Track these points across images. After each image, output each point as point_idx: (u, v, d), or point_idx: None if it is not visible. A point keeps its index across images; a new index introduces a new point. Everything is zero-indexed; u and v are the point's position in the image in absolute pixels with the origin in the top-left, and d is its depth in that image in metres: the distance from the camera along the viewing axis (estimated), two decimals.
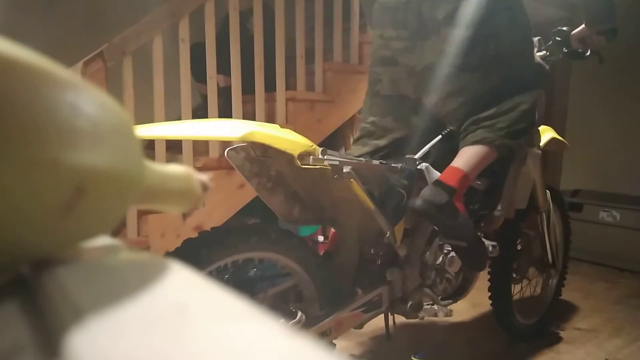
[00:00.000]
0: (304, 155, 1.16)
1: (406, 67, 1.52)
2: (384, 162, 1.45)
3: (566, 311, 2.32)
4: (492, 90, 1.46)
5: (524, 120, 1.49)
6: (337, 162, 1.22)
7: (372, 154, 1.60)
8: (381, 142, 1.60)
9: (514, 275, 1.89)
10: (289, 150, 1.13)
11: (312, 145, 1.18)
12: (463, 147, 1.47)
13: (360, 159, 1.43)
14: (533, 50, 1.57)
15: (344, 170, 1.23)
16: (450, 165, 1.44)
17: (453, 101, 1.49)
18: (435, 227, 1.51)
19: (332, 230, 1.49)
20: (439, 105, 1.52)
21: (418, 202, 1.39)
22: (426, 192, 1.40)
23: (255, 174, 1.25)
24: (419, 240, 1.54)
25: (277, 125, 1.18)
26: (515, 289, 1.94)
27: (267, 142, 1.09)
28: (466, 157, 1.44)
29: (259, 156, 1.19)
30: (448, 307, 1.62)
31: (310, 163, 1.17)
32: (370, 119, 1.63)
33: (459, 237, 1.45)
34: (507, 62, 1.45)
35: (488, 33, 1.40)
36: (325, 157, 1.20)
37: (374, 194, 1.40)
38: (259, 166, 1.24)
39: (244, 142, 1.10)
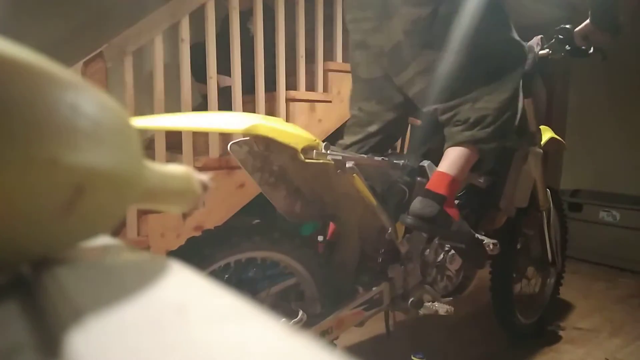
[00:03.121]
0: (307, 150, 1.16)
1: (376, 48, 1.50)
2: (387, 157, 1.45)
3: (566, 311, 2.32)
4: (463, 71, 1.41)
5: (506, 112, 1.44)
6: (340, 157, 1.22)
7: (364, 140, 1.59)
8: (372, 128, 1.59)
9: (514, 275, 1.89)
10: (292, 144, 1.12)
11: (315, 140, 1.18)
12: (447, 147, 1.45)
13: (363, 155, 1.43)
14: (507, 28, 1.50)
15: (347, 166, 1.23)
16: (437, 170, 1.42)
17: (420, 81, 1.45)
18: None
19: (332, 225, 1.49)
20: (407, 85, 1.49)
21: (409, 219, 1.37)
22: (416, 205, 1.38)
23: (258, 168, 1.25)
24: (420, 237, 1.54)
25: (281, 119, 1.17)
26: (515, 288, 1.94)
27: (271, 135, 1.08)
28: (452, 159, 1.41)
29: (262, 150, 1.18)
30: (448, 305, 1.62)
31: (314, 157, 1.17)
32: (357, 105, 1.62)
33: (456, 242, 1.45)
34: (476, 41, 1.39)
35: (450, 10, 1.36)
36: (328, 151, 1.20)
37: (376, 190, 1.40)
38: (261, 161, 1.24)
39: (247, 134, 1.10)
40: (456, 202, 1.50)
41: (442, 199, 1.37)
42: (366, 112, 1.60)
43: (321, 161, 1.18)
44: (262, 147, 1.17)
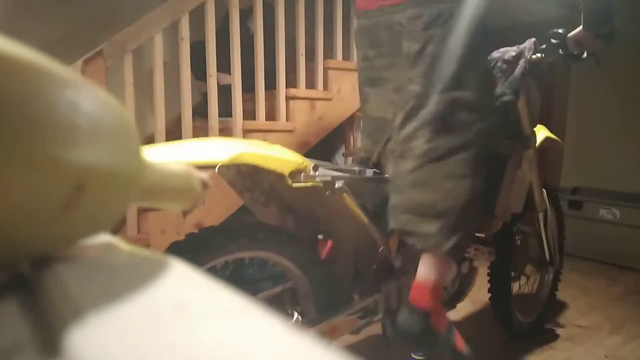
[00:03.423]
0: (295, 173, 1.15)
1: (392, 83, 1.44)
2: (378, 172, 1.44)
3: (566, 308, 2.32)
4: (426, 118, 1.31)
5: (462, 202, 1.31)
6: (329, 178, 1.22)
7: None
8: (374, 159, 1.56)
9: (512, 274, 1.89)
10: (279, 170, 1.11)
11: (302, 162, 1.16)
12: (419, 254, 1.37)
13: (354, 169, 1.42)
14: (485, 72, 1.46)
15: (336, 186, 1.22)
16: (415, 281, 1.36)
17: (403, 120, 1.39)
18: None
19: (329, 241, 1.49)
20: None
21: (395, 335, 1.35)
22: (401, 319, 1.34)
23: (248, 188, 1.25)
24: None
25: (266, 143, 1.16)
26: (514, 287, 1.94)
27: (257, 163, 1.08)
28: (427, 265, 1.35)
29: (250, 172, 1.18)
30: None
31: (302, 180, 1.16)
32: (369, 140, 1.57)
33: (443, 353, 1.41)
34: (454, 85, 1.31)
35: (437, 48, 1.30)
36: (317, 173, 1.19)
37: (367, 208, 1.39)
38: (251, 180, 1.24)
39: (232, 164, 1.09)
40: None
41: (427, 314, 1.33)
42: (376, 152, 1.55)
43: (309, 184, 1.18)
44: (249, 169, 1.17)
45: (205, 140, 1.18)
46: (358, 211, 1.30)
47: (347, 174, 1.34)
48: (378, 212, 1.42)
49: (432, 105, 1.30)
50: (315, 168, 1.19)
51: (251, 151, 1.07)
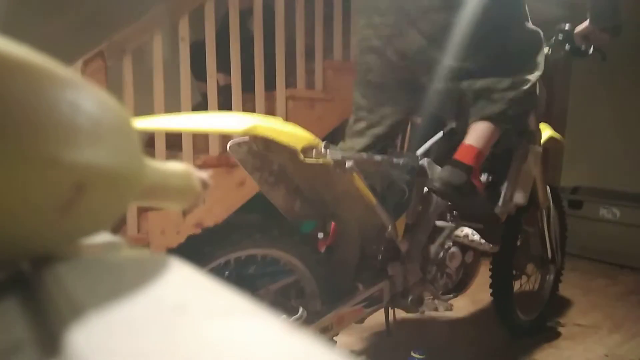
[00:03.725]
0: (306, 150, 1.16)
1: (397, 52, 1.50)
2: (386, 156, 1.45)
3: (566, 307, 2.32)
4: (492, 63, 1.45)
5: (526, 101, 1.49)
6: (340, 157, 1.22)
7: (373, 145, 1.59)
8: (378, 130, 1.59)
9: (514, 272, 1.89)
10: (291, 144, 1.12)
11: (314, 139, 1.18)
12: (473, 122, 1.48)
13: (362, 153, 1.43)
14: (524, 19, 1.54)
15: (347, 165, 1.23)
16: (464, 143, 1.45)
17: (454, 78, 1.48)
18: (454, 207, 1.54)
19: (333, 225, 1.49)
20: (446, 87, 1.51)
21: (437, 183, 1.40)
22: (444, 173, 1.41)
23: (258, 168, 1.25)
24: (420, 235, 1.55)
25: (280, 119, 1.17)
26: (515, 286, 1.94)
27: (270, 135, 1.08)
28: (478, 133, 1.45)
29: (262, 150, 1.18)
30: (448, 302, 1.63)
31: (313, 157, 1.16)
32: (366, 109, 1.61)
33: (476, 218, 1.48)
34: (502, 39, 1.44)
35: (474, 12, 1.39)
36: (328, 151, 1.20)
37: (376, 189, 1.40)
38: (261, 160, 1.24)
39: (246, 135, 1.09)
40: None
41: (470, 170, 1.41)
42: (377, 115, 1.59)
43: (321, 161, 1.18)
44: (261, 146, 1.17)
45: (222, 112, 1.18)
46: (367, 192, 1.30)
47: (357, 155, 1.34)
48: (386, 194, 1.43)
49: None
50: (327, 146, 1.19)
51: (265, 124, 1.08)
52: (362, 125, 1.62)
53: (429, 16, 1.40)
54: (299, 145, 1.13)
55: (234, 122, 1.05)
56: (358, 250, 1.44)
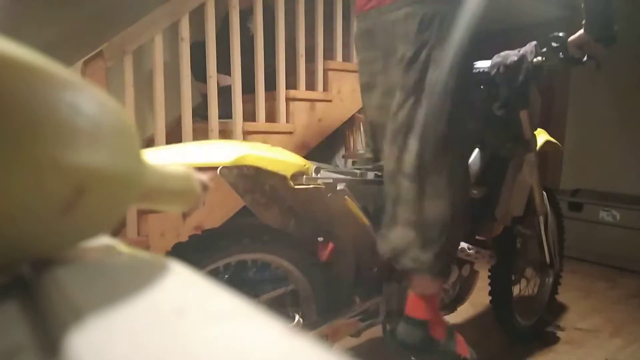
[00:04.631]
0: (297, 175, 1.16)
1: (382, 88, 1.42)
2: (379, 174, 1.44)
3: (566, 311, 2.32)
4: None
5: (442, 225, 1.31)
6: (331, 180, 1.23)
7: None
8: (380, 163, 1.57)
9: (512, 277, 1.89)
10: (281, 172, 1.13)
11: (304, 165, 1.18)
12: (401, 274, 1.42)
13: (355, 171, 1.42)
14: (467, 111, 1.40)
15: (338, 188, 1.23)
16: (410, 294, 1.38)
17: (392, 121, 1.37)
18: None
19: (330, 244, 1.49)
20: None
21: (394, 344, 1.37)
22: (400, 329, 1.36)
23: (249, 190, 1.25)
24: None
25: (268, 145, 1.18)
26: (514, 290, 1.94)
27: (259, 164, 1.10)
28: (420, 281, 1.36)
29: (252, 174, 1.19)
30: (445, 317, 1.63)
31: (304, 183, 1.17)
32: (372, 142, 1.57)
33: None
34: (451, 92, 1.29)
35: (431, 51, 1.27)
36: (318, 175, 1.20)
37: (368, 210, 1.40)
38: (252, 182, 1.24)
39: (234, 166, 1.11)
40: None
41: (425, 324, 1.35)
42: (373, 151, 1.56)
43: (311, 186, 1.19)
44: (251, 172, 1.18)
45: (208, 142, 1.19)
46: (359, 213, 1.30)
47: (348, 177, 1.34)
48: (379, 214, 1.42)
49: (421, 115, 1.28)
50: (317, 170, 1.20)
51: (254, 153, 1.09)
52: (369, 156, 1.58)
53: (400, 49, 1.32)
54: (288, 172, 1.14)
55: (222, 154, 1.07)
56: (354, 267, 1.44)
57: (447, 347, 1.39)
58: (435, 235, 1.29)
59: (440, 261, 1.31)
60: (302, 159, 1.20)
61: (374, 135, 1.52)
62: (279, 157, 1.14)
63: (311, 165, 1.20)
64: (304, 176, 1.17)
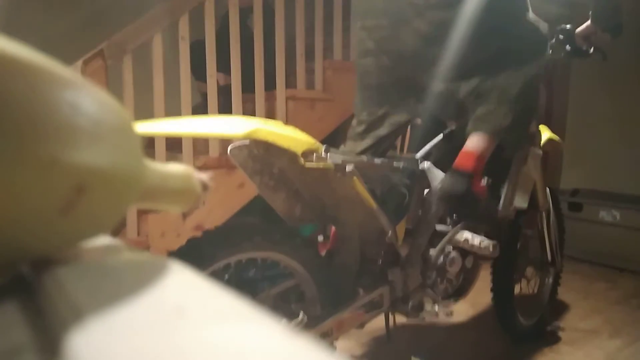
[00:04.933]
0: (307, 154, 1.16)
1: (393, 54, 1.50)
2: (386, 159, 1.45)
3: (566, 311, 2.32)
4: (486, 57, 1.45)
5: (526, 105, 1.49)
6: (340, 161, 1.22)
7: (376, 145, 1.59)
8: (382, 132, 1.58)
9: (514, 275, 1.89)
10: (292, 149, 1.12)
11: (315, 143, 1.18)
12: (471, 133, 1.49)
13: (363, 157, 1.43)
14: (526, 16, 1.54)
15: (347, 169, 1.23)
16: (463, 149, 1.47)
17: (453, 78, 1.48)
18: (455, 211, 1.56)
19: (333, 229, 1.49)
20: (445, 88, 1.51)
21: (438, 194, 1.42)
22: (445, 182, 1.43)
23: (258, 172, 1.25)
24: (420, 239, 1.54)
25: (280, 122, 1.17)
26: (515, 289, 1.94)
27: (270, 139, 1.08)
28: (476, 140, 1.46)
29: (262, 154, 1.18)
30: (449, 307, 1.62)
31: (314, 161, 1.16)
32: (366, 111, 1.61)
33: (481, 221, 1.50)
34: (501, 34, 1.44)
35: (473, 9, 1.39)
36: (328, 155, 1.20)
37: (376, 193, 1.40)
38: (261, 164, 1.24)
39: (247, 139, 1.09)
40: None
41: (470, 177, 1.42)
42: (378, 117, 1.59)
43: (321, 165, 1.18)
44: (261, 150, 1.17)
45: (222, 116, 1.18)
46: (367, 196, 1.30)
47: (357, 158, 1.34)
48: (386, 198, 1.43)
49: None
50: (327, 150, 1.19)
51: (265, 128, 1.08)
52: (362, 127, 1.61)
53: (426, 15, 1.39)
54: (299, 150, 1.13)
55: (235, 126, 1.05)
56: (358, 255, 1.44)
57: (486, 205, 1.50)
58: (520, 102, 1.45)
59: (513, 130, 1.48)
60: (313, 138, 1.20)
61: (374, 100, 1.58)
62: (290, 134, 1.14)
63: (321, 146, 1.19)
64: (314, 154, 1.17)
